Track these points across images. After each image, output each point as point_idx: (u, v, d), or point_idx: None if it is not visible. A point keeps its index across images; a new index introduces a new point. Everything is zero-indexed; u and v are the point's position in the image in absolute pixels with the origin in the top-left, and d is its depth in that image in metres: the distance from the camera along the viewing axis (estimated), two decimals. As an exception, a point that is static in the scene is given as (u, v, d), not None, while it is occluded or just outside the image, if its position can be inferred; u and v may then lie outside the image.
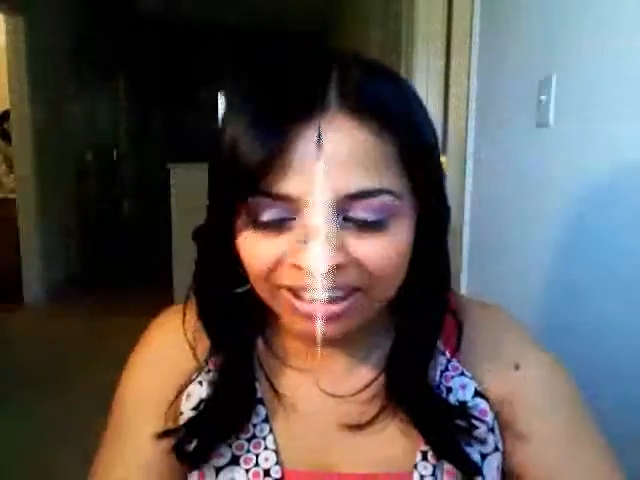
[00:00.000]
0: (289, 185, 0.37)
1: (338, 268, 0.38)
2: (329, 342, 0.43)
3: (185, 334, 0.50)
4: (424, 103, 0.43)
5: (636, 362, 0.80)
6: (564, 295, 1.00)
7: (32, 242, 3.65)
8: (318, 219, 0.37)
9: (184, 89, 6.77)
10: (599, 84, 0.90)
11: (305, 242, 0.37)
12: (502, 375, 0.49)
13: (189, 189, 3.52)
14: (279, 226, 0.39)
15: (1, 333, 3.16)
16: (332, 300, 0.39)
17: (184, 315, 0.51)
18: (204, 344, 0.50)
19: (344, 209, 0.38)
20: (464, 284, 1.55)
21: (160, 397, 0.50)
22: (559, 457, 0.47)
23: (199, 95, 6.94)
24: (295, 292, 0.40)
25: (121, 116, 5.51)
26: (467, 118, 1.53)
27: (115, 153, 5.34)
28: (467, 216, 1.53)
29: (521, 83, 1.19)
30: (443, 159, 2.02)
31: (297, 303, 0.40)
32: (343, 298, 0.39)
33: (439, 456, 0.46)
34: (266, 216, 0.38)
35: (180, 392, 0.50)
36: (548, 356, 0.51)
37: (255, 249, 0.40)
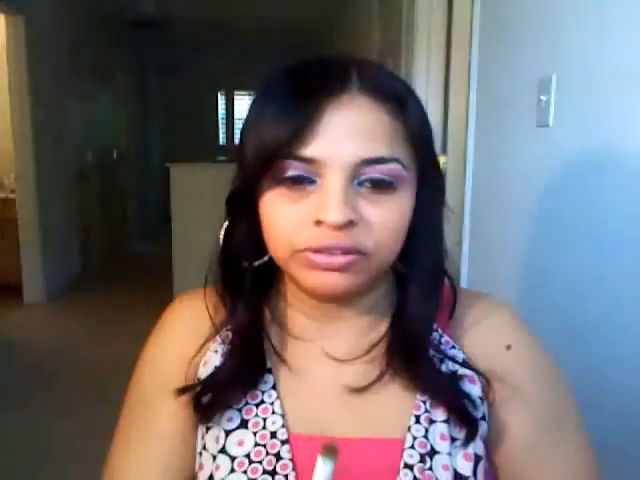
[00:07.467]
0: (314, 149, 0.44)
1: (350, 226, 0.44)
2: (337, 299, 0.50)
3: (206, 304, 0.55)
4: (423, 102, 0.51)
5: (634, 352, 0.80)
6: (565, 296, 1.01)
7: (32, 242, 3.64)
8: (338, 179, 0.44)
9: (184, 89, 6.78)
10: (599, 84, 0.90)
11: (326, 199, 0.44)
12: (493, 353, 0.53)
13: (189, 188, 3.53)
14: (302, 188, 0.45)
15: (0, 333, 3.16)
16: (343, 253, 0.45)
17: (205, 283, 0.55)
18: (221, 318, 0.55)
19: (360, 173, 0.45)
20: (464, 281, 1.55)
21: (181, 371, 0.54)
22: (537, 453, 0.51)
23: (199, 95, 6.95)
24: (313, 250, 0.45)
25: (121, 116, 5.50)
26: (467, 118, 1.53)
27: (115, 153, 5.33)
28: (467, 216, 1.53)
29: (521, 83, 1.19)
30: (443, 159, 2.02)
31: (314, 256, 0.45)
32: (350, 254, 0.46)
33: (445, 409, 0.50)
34: (291, 172, 0.45)
35: (196, 355, 0.54)
36: (537, 340, 0.56)
37: (280, 211, 0.46)
